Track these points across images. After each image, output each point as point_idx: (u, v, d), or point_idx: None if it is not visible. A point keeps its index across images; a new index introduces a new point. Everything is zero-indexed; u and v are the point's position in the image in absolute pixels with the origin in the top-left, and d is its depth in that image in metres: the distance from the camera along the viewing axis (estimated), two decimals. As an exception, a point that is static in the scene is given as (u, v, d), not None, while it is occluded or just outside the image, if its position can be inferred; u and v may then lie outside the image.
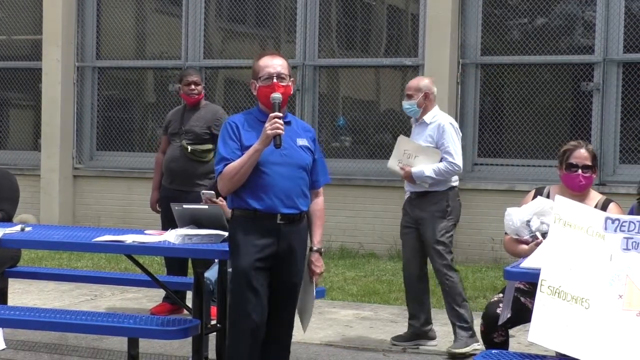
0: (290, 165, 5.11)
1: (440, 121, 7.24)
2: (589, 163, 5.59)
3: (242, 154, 5.05)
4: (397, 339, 7.34)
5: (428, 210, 7.17)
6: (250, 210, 5.08)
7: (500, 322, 5.38)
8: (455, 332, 7.15)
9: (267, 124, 5.00)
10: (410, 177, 7.16)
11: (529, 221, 5.41)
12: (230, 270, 5.21)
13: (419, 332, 7.36)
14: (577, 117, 11.40)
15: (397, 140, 7.32)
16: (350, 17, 12.57)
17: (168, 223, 7.00)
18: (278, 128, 4.97)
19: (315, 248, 5.32)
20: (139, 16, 13.74)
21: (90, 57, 13.60)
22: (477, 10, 11.72)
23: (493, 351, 4.85)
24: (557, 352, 4.52)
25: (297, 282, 5.24)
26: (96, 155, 13.62)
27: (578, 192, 5.56)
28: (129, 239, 5.82)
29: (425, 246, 7.23)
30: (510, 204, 5.85)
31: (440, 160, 7.10)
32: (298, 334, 7.58)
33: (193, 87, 8.22)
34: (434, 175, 7.10)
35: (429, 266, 7.38)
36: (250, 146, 5.04)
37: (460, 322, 7.12)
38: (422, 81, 7.34)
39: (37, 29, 13.71)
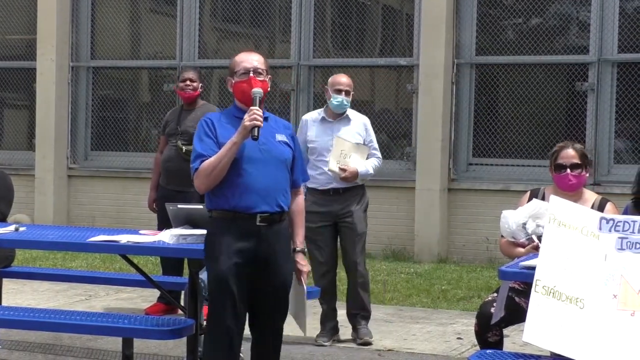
0: (270, 161, 4.95)
1: (363, 118, 7.50)
2: (577, 161, 5.58)
3: (219, 151, 4.91)
4: (323, 336, 7.40)
5: (354, 203, 7.32)
6: (229, 210, 4.91)
7: (493, 322, 5.38)
8: (358, 322, 7.33)
9: (245, 116, 4.86)
10: (355, 176, 7.26)
11: (524, 224, 5.40)
12: (205, 275, 5.08)
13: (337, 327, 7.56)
14: (572, 117, 11.41)
15: (334, 141, 7.27)
16: (345, 17, 12.57)
17: (164, 223, 6.99)
18: (256, 119, 4.84)
19: (298, 248, 5.16)
20: (134, 16, 13.73)
21: (84, 57, 13.58)
22: (471, 10, 11.73)
23: (488, 351, 4.86)
24: (551, 352, 4.52)
25: (283, 285, 5.05)
26: (91, 155, 13.60)
27: (570, 192, 5.55)
28: (124, 239, 5.82)
29: (346, 239, 7.32)
30: (505, 204, 5.86)
31: (368, 157, 7.39)
32: (293, 333, 7.58)
33: (188, 82, 8.26)
34: (373, 172, 7.42)
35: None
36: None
37: (364, 312, 7.37)
38: (349, 79, 7.44)
39: (31, 28, 13.69)
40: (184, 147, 8.15)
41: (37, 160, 13.38)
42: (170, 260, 8.04)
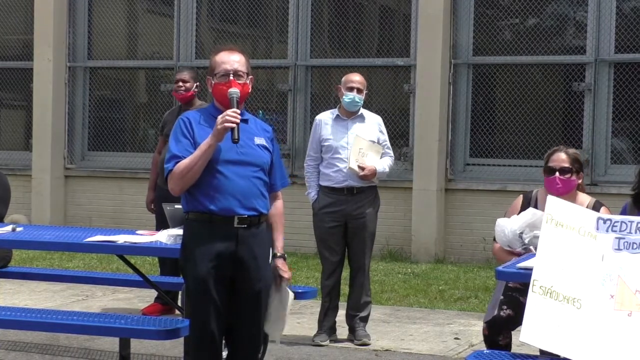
0: (247, 164, 4.81)
1: (376, 118, 7.55)
2: (566, 165, 5.55)
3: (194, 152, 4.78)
4: (321, 335, 7.39)
5: (367, 205, 7.35)
6: (206, 213, 4.78)
7: (485, 320, 5.41)
8: (356, 324, 7.35)
9: (218, 119, 4.71)
10: (374, 174, 7.30)
11: (521, 233, 5.37)
12: (185, 277, 4.89)
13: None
14: (569, 117, 11.42)
15: (353, 140, 7.30)
16: (342, 17, 12.57)
17: (162, 223, 6.99)
18: (228, 121, 4.67)
19: (279, 254, 5.00)
20: (131, 16, 13.72)
21: (81, 57, 13.57)
22: (469, 11, 11.73)
23: (485, 351, 4.86)
24: (539, 349, 4.51)
25: (262, 290, 4.88)
26: (88, 155, 13.60)
27: (558, 196, 5.53)
28: (121, 239, 5.82)
29: (357, 240, 7.34)
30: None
31: (382, 156, 7.43)
32: (291, 333, 7.58)
33: (180, 84, 8.29)
34: (388, 171, 7.47)
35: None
36: None
37: (364, 314, 7.40)
38: (362, 77, 7.50)
39: (28, 29, 13.68)
40: (181, 148, 8.14)
41: (34, 160, 13.37)
42: (168, 260, 8.04)
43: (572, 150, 5.69)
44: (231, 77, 4.84)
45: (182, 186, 4.81)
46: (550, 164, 5.60)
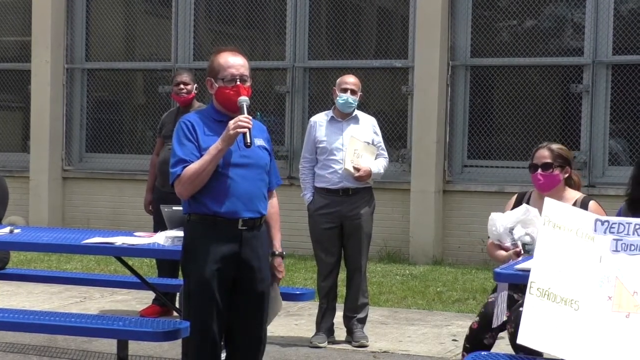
0: (251, 166, 4.86)
1: (371, 119, 7.56)
2: (547, 161, 5.54)
3: (200, 155, 4.78)
4: (319, 337, 7.38)
5: (363, 206, 7.36)
6: (210, 215, 4.79)
7: (494, 325, 5.40)
8: (354, 325, 7.35)
9: (230, 124, 4.74)
10: (369, 176, 7.31)
11: (512, 229, 5.39)
12: (186, 279, 4.89)
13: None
14: (567, 119, 11.43)
15: (349, 141, 7.30)
16: (340, 18, 12.57)
17: (160, 225, 6.99)
18: (240, 126, 4.71)
19: (277, 252, 5.05)
20: (129, 18, 13.72)
21: (79, 59, 13.57)
22: (466, 12, 11.74)
23: (482, 353, 4.86)
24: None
25: (265, 291, 4.93)
26: (85, 157, 13.59)
27: (542, 192, 5.54)
28: (119, 241, 5.82)
29: (353, 241, 7.35)
30: (500, 206, 5.87)
31: (377, 157, 7.44)
32: (289, 334, 7.58)
33: (182, 86, 8.27)
34: (382, 172, 7.50)
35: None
36: (208, 147, 4.77)
37: (362, 315, 7.41)
38: (356, 79, 7.49)
39: (26, 30, 13.68)
40: (179, 149, 8.14)
41: (32, 162, 13.37)
42: (166, 262, 8.04)
43: (556, 146, 5.68)
44: (238, 82, 4.87)
45: (190, 191, 4.81)
46: (534, 161, 5.63)
